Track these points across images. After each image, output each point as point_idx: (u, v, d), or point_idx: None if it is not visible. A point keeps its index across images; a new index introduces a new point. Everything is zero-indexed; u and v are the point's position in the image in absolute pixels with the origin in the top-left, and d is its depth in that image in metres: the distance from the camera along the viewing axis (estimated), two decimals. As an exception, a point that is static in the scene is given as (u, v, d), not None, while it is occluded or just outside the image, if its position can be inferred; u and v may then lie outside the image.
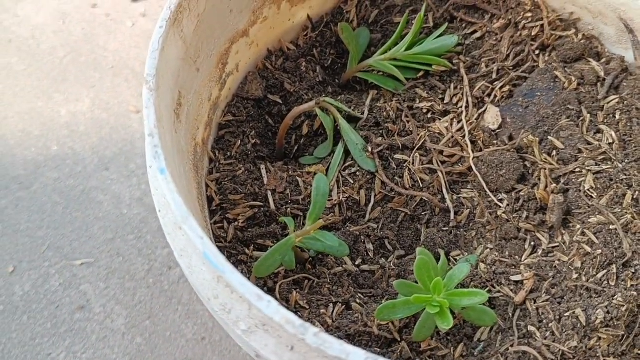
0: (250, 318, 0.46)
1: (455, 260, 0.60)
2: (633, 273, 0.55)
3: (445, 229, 0.62)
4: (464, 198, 0.63)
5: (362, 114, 0.69)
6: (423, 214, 0.63)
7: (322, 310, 0.56)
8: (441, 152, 0.65)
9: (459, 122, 0.66)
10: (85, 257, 0.89)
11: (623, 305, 0.53)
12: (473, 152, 0.64)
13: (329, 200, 0.64)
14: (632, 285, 0.54)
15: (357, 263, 0.62)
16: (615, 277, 0.55)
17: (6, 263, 0.86)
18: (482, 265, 0.58)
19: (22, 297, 0.83)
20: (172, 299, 0.85)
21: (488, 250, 0.60)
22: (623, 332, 0.53)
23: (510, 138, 0.65)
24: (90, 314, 0.84)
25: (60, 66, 1.06)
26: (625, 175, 0.60)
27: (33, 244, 0.89)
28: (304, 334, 0.41)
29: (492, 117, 0.66)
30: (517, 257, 0.59)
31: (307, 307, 0.57)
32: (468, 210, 0.63)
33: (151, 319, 0.84)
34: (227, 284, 0.45)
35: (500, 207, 0.62)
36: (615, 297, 0.54)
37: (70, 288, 0.86)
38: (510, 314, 0.56)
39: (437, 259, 0.57)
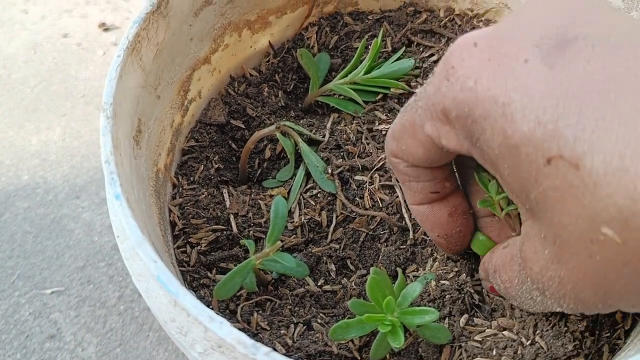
0: (206, 340, 0.47)
1: (416, 277, 0.61)
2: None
3: (402, 247, 0.63)
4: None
5: (323, 136, 0.70)
6: (382, 233, 0.64)
7: (282, 331, 0.57)
8: (400, 173, 0.66)
9: (416, 143, 0.68)
10: (55, 286, 0.89)
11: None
12: (430, 171, 0.66)
13: (290, 222, 0.65)
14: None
15: (319, 284, 0.63)
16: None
17: (-26, 293, 0.86)
18: (432, 283, 0.59)
19: (-9, 328, 0.83)
20: (143, 325, 0.85)
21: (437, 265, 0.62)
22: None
23: (466, 157, 0.67)
24: (60, 343, 0.84)
25: (32, 95, 1.07)
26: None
27: (3, 274, 0.88)
28: (255, 354, 0.42)
29: (448, 137, 0.68)
30: (473, 273, 0.60)
31: (268, 329, 0.57)
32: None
33: (122, 346, 0.84)
34: (181, 306, 0.45)
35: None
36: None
37: (41, 317, 0.86)
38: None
39: (396, 276, 0.58)
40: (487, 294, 0.60)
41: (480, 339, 0.57)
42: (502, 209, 0.53)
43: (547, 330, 0.55)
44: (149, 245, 0.46)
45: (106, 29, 1.15)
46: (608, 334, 0.56)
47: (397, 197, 0.65)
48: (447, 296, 0.58)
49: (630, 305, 0.40)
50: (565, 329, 0.55)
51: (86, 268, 0.90)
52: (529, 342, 0.55)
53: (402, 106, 0.72)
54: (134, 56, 0.57)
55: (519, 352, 0.55)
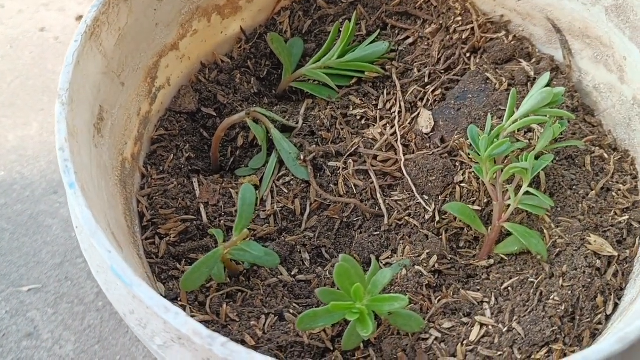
0: (165, 332, 0.45)
1: (389, 263, 0.60)
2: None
3: (376, 233, 0.61)
4: (395, 201, 0.63)
5: (297, 123, 0.68)
6: (356, 220, 0.62)
7: (252, 322, 0.55)
8: (375, 157, 0.65)
9: (392, 127, 0.66)
10: (33, 283, 0.87)
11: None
12: (405, 155, 0.64)
13: (263, 211, 0.63)
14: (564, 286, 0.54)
15: (293, 273, 0.61)
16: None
17: (-51, 292, 0.84)
18: (403, 271, 0.58)
19: (-35, 327, 0.81)
20: (122, 321, 0.83)
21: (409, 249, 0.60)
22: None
23: (443, 140, 0.65)
24: (38, 341, 0.82)
25: (8, 91, 1.05)
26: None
27: (-22, 272, 0.87)
28: (211, 345, 0.40)
29: (424, 120, 0.66)
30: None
31: (238, 320, 0.56)
32: (399, 213, 0.62)
33: (101, 343, 0.82)
34: (137, 297, 0.43)
35: (428, 210, 0.61)
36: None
37: (18, 315, 0.84)
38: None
39: (370, 264, 0.56)
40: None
41: (456, 326, 0.55)
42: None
43: (525, 315, 0.54)
44: (104, 235, 0.44)
45: (84, 22, 1.13)
46: (588, 319, 0.54)
47: (372, 182, 0.63)
48: (419, 282, 0.56)
49: None
50: (544, 314, 0.53)
51: (64, 264, 0.88)
52: (506, 328, 0.53)
53: (377, 90, 0.70)
54: (94, 41, 0.55)
55: (495, 340, 0.53)
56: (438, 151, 0.64)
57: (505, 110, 0.65)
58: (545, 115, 0.58)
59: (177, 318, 0.41)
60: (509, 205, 0.58)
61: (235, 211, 0.63)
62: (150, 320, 0.45)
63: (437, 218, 0.61)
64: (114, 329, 0.83)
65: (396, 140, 0.65)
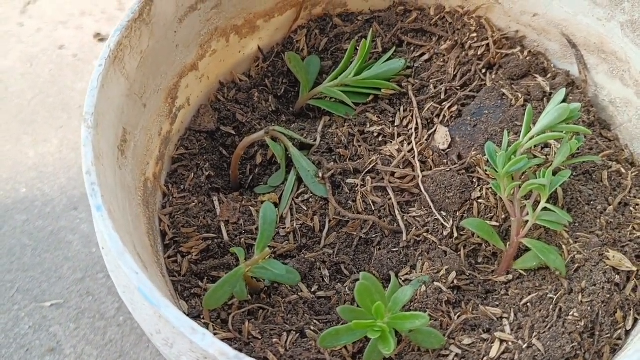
0: (192, 352, 0.46)
1: (409, 280, 0.60)
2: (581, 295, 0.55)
3: (394, 249, 0.62)
4: (413, 217, 0.63)
5: (315, 140, 0.69)
6: (374, 236, 0.63)
7: (274, 340, 0.56)
8: (393, 174, 0.65)
9: (409, 144, 0.67)
10: (55, 299, 0.88)
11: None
12: (422, 172, 0.64)
13: (283, 229, 0.64)
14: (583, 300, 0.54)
15: (313, 290, 0.62)
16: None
17: (-27, 308, 0.86)
18: (423, 287, 0.58)
19: (-10, 343, 0.83)
20: (143, 336, 0.85)
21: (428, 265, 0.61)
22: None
23: (460, 157, 0.65)
24: (60, 356, 0.83)
25: (29, 108, 1.07)
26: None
27: (2, 288, 0.88)
28: (238, 365, 0.41)
29: (441, 137, 0.67)
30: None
31: (260, 337, 0.56)
32: (417, 229, 0.63)
33: (122, 357, 0.83)
34: (164, 318, 0.44)
35: (446, 226, 0.62)
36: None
37: (40, 330, 0.85)
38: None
39: (389, 280, 0.57)
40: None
41: (476, 342, 0.55)
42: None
43: (544, 331, 0.54)
44: (131, 257, 0.45)
45: (101, 40, 1.14)
46: (608, 335, 0.55)
47: (390, 199, 0.64)
48: (438, 298, 0.57)
49: None
50: (563, 329, 0.54)
51: (85, 280, 0.89)
52: (526, 344, 0.54)
53: (393, 107, 0.71)
54: (117, 65, 0.57)
55: (516, 356, 0.53)
56: (455, 167, 0.64)
57: (521, 125, 0.66)
58: (562, 132, 0.58)
59: (205, 339, 0.42)
60: (527, 221, 0.58)
61: (256, 229, 0.64)
62: (176, 340, 0.46)
63: (456, 234, 0.62)
64: (135, 343, 0.84)
65: (413, 157, 0.66)
